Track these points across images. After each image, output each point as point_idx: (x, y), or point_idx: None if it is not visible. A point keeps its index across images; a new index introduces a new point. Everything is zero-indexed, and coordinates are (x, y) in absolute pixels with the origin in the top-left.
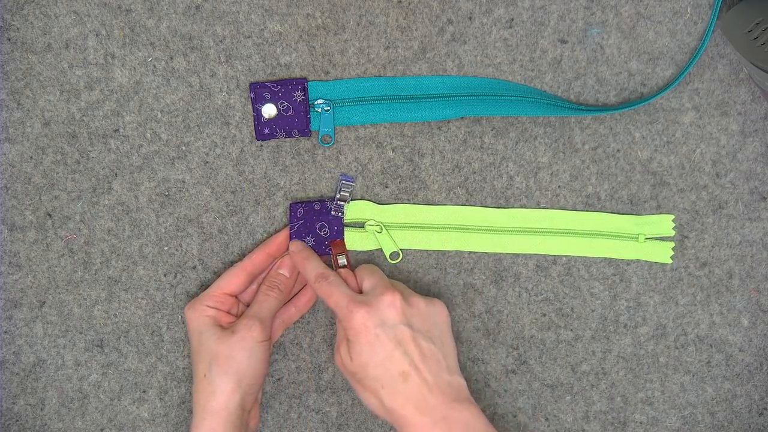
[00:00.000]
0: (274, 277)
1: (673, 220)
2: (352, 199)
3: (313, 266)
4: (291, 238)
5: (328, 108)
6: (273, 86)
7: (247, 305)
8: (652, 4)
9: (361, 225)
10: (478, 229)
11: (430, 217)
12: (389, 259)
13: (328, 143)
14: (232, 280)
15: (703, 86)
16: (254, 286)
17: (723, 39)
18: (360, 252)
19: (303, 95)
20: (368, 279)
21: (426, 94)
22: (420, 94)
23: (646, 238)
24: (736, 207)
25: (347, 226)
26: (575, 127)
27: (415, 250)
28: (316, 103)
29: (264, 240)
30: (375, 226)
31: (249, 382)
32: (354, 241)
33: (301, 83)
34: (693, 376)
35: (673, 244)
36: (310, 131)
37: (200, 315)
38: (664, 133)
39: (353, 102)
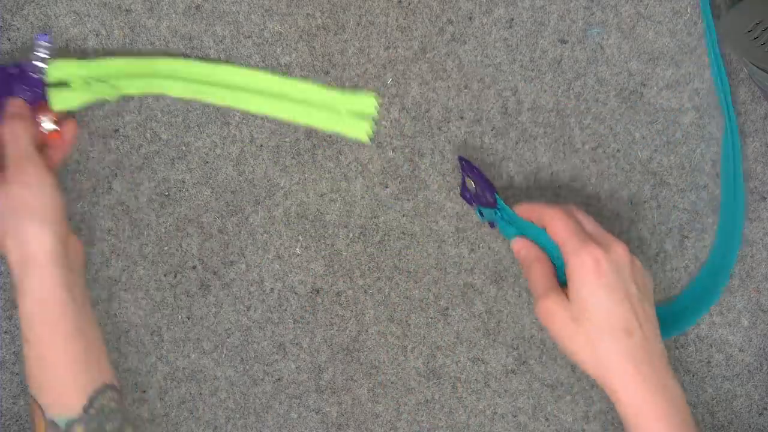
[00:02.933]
0: (11, 107)
1: (375, 99)
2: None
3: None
4: None
5: (504, 220)
6: (476, 171)
7: None
8: (652, 4)
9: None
10: (203, 82)
11: (150, 70)
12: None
13: (487, 219)
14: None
15: (703, 86)
16: None
17: (723, 39)
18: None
19: (491, 199)
20: (588, 223)
21: None
22: None
23: (348, 112)
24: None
25: (52, 86)
26: (575, 127)
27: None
28: (499, 212)
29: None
30: (82, 79)
31: (53, 212)
32: (63, 100)
33: (492, 190)
34: (693, 376)
35: (371, 123)
36: (494, 224)
37: None
38: (664, 133)
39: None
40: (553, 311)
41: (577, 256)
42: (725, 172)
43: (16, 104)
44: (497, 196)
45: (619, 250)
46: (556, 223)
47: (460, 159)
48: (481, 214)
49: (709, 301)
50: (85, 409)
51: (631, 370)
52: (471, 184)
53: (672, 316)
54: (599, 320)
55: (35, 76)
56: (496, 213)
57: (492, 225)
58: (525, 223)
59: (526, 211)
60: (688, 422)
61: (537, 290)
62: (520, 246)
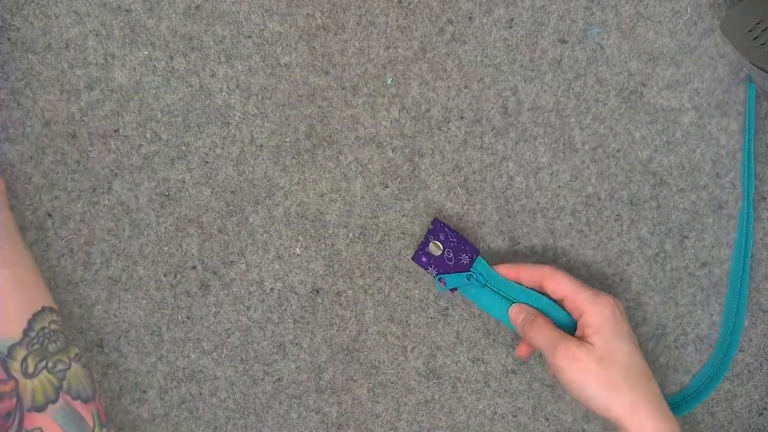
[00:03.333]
0: None
1: None
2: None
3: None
4: None
5: (479, 284)
6: (450, 235)
7: None
8: (652, 4)
9: None
10: None
11: None
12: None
13: (442, 289)
14: None
15: (703, 86)
16: None
17: (723, 39)
18: None
19: (468, 261)
20: (578, 285)
21: None
22: None
23: None
24: (736, 207)
25: None
26: (575, 127)
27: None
28: (474, 274)
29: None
30: None
31: None
32: None
33: (473, 253)
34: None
35: None
36: (456, 289)
37: None
38: (664, 133)
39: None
40: (578, 355)
41: (596, 304)
42: (737, 254)
43: None
44: (479, 259)
45: (620, 302)
46: (559, 278)
47: (435, 222)
48: (440, 281)
49: (712, 388)
50: (25, 332)
51: (655, 410)
52: (436, 248)
53: (680, 400)
54: (626, 365)
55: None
56: (469, 278)
57: (453, 290)
58: (509, 284)
59: (510, 270)
60: None
61: (553, 339)
62: (518, 310)
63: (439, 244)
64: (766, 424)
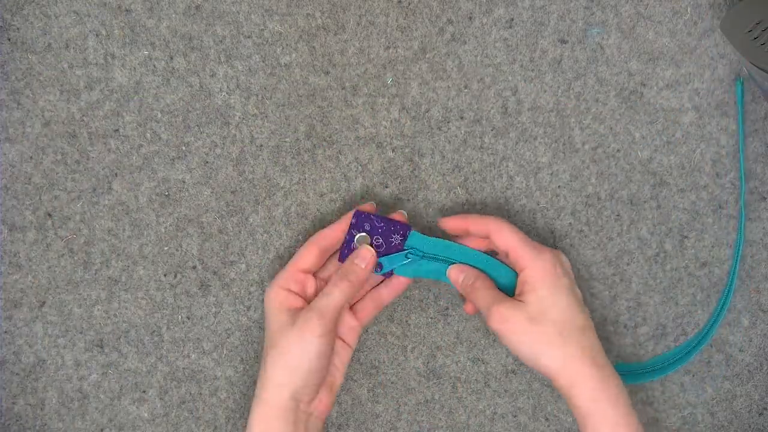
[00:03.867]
0: (347, 267)
1: None
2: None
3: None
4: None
5: (417, 257)
6: (377, 221)
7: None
8: (652, 4)
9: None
10: None
11: None
12: None
13: (379, 272)
14: (305, 256)
15: (703, 86)
16: (334, 269)
17: (723, 39)
18: None
19: (401, 240)
20: (524, 239)
21: None
22: None
23: None
24: (736, 207)
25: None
26: (575, 127)
27: None
28: (409, 249)
29: (309, 237)
30: None
31: (303, 376)
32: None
33: (405, 230)
34: (693, 376)
35: None
36: (391, 273)
37: (273, 297)
38: (664, 133)
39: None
40: (508, 316)
41: (536, 259)
42: (735, 261)
43: (369, 257)
44: (413, 233)
45: (563, 256)
46: (505, 231)
47: (357, 214)
48: (379, 267)
49: (678, 365)
50: None
51: (588, 363)
52: (362, 239)
53: (640, 369)
54: (560, 320)
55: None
56: (406, 256)
57: (388, 274)
58: (448, 247)
59: (457, 222)
60: (631, 406)
61: (487, 301)
62: (457, 272)
63: (365, 234)
64: (766, 424)
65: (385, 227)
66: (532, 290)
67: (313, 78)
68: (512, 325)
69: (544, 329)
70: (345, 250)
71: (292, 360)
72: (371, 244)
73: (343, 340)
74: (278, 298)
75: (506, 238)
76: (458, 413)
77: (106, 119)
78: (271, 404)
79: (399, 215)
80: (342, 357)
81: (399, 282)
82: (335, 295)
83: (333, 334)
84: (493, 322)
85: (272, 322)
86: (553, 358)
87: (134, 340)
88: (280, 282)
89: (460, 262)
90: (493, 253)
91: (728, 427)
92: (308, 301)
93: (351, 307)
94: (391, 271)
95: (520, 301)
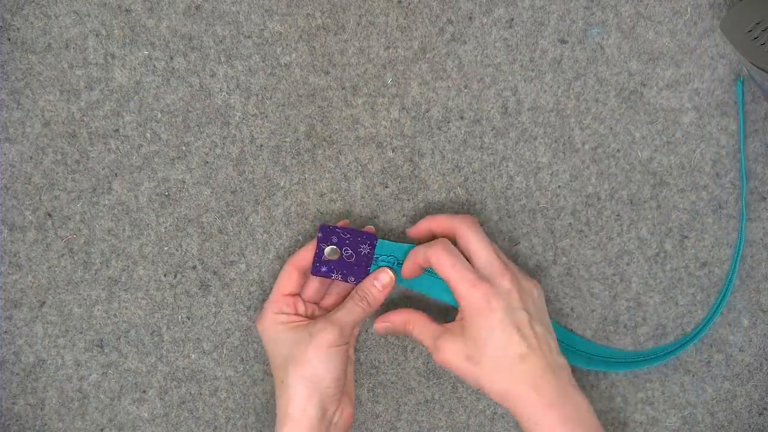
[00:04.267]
0: (367, 289)
1: None
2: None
3: (423, 250)
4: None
5: (394, 263)
6: (342, 233)
7: (315, 303)
8: (652, 4)
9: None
10: None
11: None
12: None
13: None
14: (286, 280)
15: (703, 86)
16: (315, 284)
17: (723, 39)
18: None
19: (369, 249)
20: (480, 250)
21: None
22: None
23: None
24: (736, 207)
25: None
26: (575, 127)
27: None
28: (380, 257)
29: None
30: None
31: (327, 385)
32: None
33: (371, 239)
34: (693, 376)
35: None
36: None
37: (272, 323)
38: (664, 133)
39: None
40: (448, 359)
41: (467, 297)
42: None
43: (388, 282)
44: (380, 241)
45: (505, 282)
46: (442, 262)
47: (322, 228)
48: (349, 278)
49: (671, 356)
50: None
51: (527, 390)
52: (332, 252)
53: (625, 358)
54: (494, 352)
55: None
56: (373, 266)
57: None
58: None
59: (422, 228)
60: (593, 429)
61: (427, 343)
62: (384, 323)
63: (334, 247)
64: (766, 424)
65: (351, 238)
66: (468, 325)
67: (313, 78)
68: (453, 363)
69: (481, 367)
70: (316, 263)
71: (316, 370)
72: (341, 256)
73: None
74: (277, 320)
75: (442, 269)
76: (458, 413)
77: (106, 119)
78: (300, 419)
79: (368, 229)
80: (350, 368)
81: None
82: (355, 312)
83: (348, 346)
84: (436, 359)
85: (283, 341)
86: (493, 392)
87: (134, 340)
88: (272, 308)
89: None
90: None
91: (728, 427)
92: (306, 316)
93: None
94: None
95: (458, 335)
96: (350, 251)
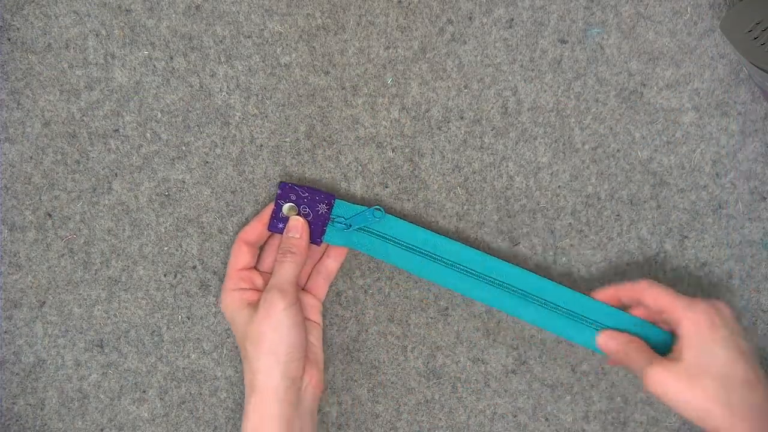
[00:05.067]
0: (285, 242)
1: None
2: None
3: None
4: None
5: (349, 227)
6: (301, 191)
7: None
8: (652, 4)
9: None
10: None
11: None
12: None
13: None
14: (237, 255)
15: (703, 86)
16: (273, 253)
17: (723, 39)
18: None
19: (326, 209)
20: (670, 295)
21: (456, 261)
22: (446, 259)
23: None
24: (736, 207)
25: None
26: (575, 127)
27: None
28: (336, 218)
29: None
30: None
31: (285, 352)
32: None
33: (329, 199)
34: None
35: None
36: (321, 241)
37: (229, 301)
38: (664, 133)
39: (374, 235)
40: (664, 377)
41: (691, 314)
42: None
43: (300, 226)
44: (338, 201)
45: (723, 306)
46: (652, 290)
47: (282, 185)
48: (311, 239)
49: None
50: None
51: (758, 424)
52: (290, 210)
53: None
54: (721, 374)
55: (326, 207)
56: (329, 228)
57: (318, 242)
58: (414, 230)
59: (610, 294)
60: None
61: (640, 364)
62: (606, 337)
63: (292, 204)
64: None
65: (309, 197)
66: (689, 346)
67: (313, 78)
68: (671, 386)
69: (705, 385)
70: (274, 219)
71: (270, 340)
72: (299, 214)
73: (309, 319)
74: (234, 298)
75: (657, 294)
76: (458, 413)
77: (106, 119)
78: (264, 390)
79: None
80: (315, 334)
81: (338, 251)
82: (285, 269)
83: (298, 305)
84: (649, 385)
85: (239, 320)
86: (716, 418)
87: (134, 340)
88: (229, 285)
89: (607, 326)
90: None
91: None
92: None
93: (303, 288)
94: (319, 240)
95: (676, 359)
96: (308, 209)
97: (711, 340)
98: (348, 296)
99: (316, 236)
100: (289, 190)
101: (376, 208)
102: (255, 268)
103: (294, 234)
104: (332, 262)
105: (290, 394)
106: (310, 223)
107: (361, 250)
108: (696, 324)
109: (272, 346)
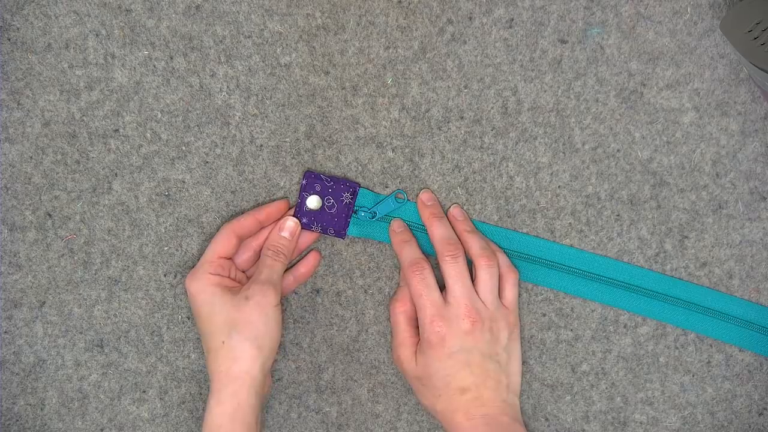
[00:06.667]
0: (277, 241)
1: None
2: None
3: (410, 251)
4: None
5: (374, 215)
6: (326, 180)
7: (242, 270)
8: (652, 4)
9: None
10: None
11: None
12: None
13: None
14: (225, 243)
15: (703, 86)
16: (249, 254)
17: (723, 39)
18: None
19: (351, 198)
20: (455, 284)
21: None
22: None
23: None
24: (736, 207)
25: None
26: (575, 127)
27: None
28: (360, 209)
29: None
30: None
31: (269, 345)
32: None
33: (354, 187)
34: (693, 376)
35: None
36: (346, 234)
37: (206, 284)
38: (664, 133)
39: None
40: (403, 368)
41: (424, 332)
42: None
43: (294, 228)
44: (362, 190)
45: (466, 324)
46: (413, 289)
47: (308, 174)
48: (329, 230)
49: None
50: None
51: (460, 417)
52: (315, 202)
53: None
54: (437, 384)
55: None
56: (353, 220)
57: (342, 236)
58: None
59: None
60: None
61: (394, 339)
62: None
63: (317, 197)
64: (766, 424)
65: (334, 185)
66: (421, 352)
67: (313, 78)
68: (407, 374)
69: (426, 390)
70: (297, 214)
71: (258, 332)
72: (323, 206)
73: None
74: (213, 281)
75: (422, 300)
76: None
77: (106, 119)
78: (244, 379)
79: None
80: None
81: (312, 259)
82: (276, 268)
83: (281, 304)
84: (393, 359)
85: (221, 304)
86: (434, 412)
87: (134, 340)
88: (208, 268)
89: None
90: None
91: (728, 427)
92: (237, 282)
93: None
94: (343, 234)
95: (418, 351)
96: (332, 200)
97: (436, 359)
98: (348, 296)
99: (340, 228)
100: (314, 178)
101: (398, 192)
102: (231, 259)
103: (286, 234)
104: (304, 269)
105: (262, 387)
106: (334, 216)
107: (384, 241)
108: (427, 342)
109: (259, 338)
